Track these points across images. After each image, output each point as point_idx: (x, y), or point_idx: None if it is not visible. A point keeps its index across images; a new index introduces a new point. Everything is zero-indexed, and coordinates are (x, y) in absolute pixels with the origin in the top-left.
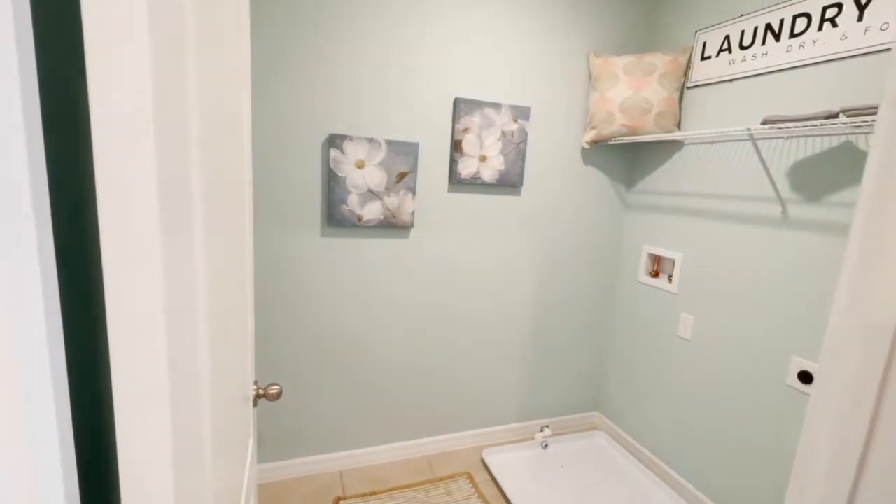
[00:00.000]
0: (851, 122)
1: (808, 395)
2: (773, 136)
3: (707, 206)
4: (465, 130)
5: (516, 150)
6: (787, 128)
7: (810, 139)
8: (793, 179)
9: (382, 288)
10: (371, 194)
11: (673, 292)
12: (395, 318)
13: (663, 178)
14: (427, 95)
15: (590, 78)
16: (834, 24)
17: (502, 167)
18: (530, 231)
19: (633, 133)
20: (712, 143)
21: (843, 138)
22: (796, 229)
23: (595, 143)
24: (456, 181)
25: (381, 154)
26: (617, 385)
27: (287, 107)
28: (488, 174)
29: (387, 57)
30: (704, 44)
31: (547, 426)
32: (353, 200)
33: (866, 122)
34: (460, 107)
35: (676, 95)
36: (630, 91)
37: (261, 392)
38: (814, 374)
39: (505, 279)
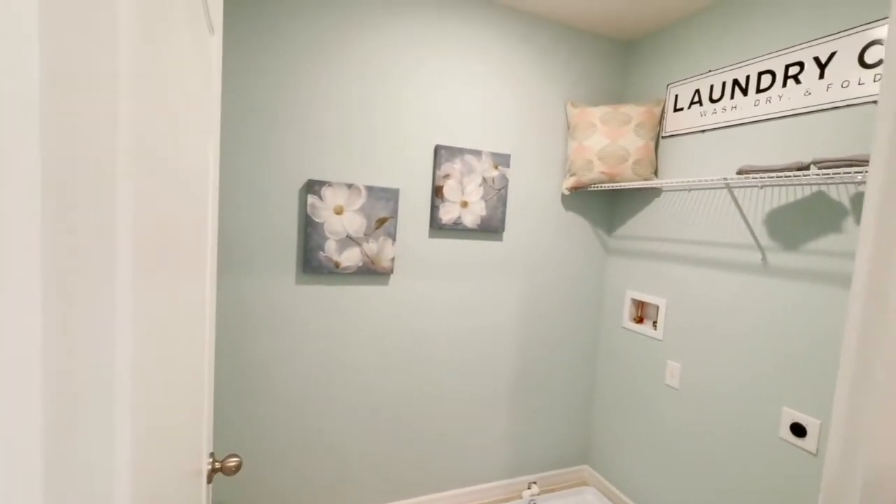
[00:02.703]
0: (823, 174)
1: (801, 448)
2: (749, 185)
3: (688, 251)
4: (447, 177)
5: (497, 195)
6: (762, 178)
7: (784, 189)
8: (770, 227)
9: (360, 337)
10: (350, 240)
11: (658, 339)
12: (374, 371)
13: (643, 224)
14: (408, 142)
15: (568, 126)
16: (797, 81)
17: (484, 213)
18: (513, 277)
19: (612, 180)
20: (689, 190)
21: (815, 188)
22: (777, 277)
23: (575, 189)
24: (437, 227)
25: (361, 200)
26: (605, 436)
27: (263, 153)
28: (470, 220)
29: (367, 104)
30: (676, 96)
31: (534, 483)
32: (330, 247)
33: (838, 174)
34: (441, 153)
35: (652, 144)
36: (607, 140)
37: (217, 465)
38: (806, 427)
39: (488, 327)
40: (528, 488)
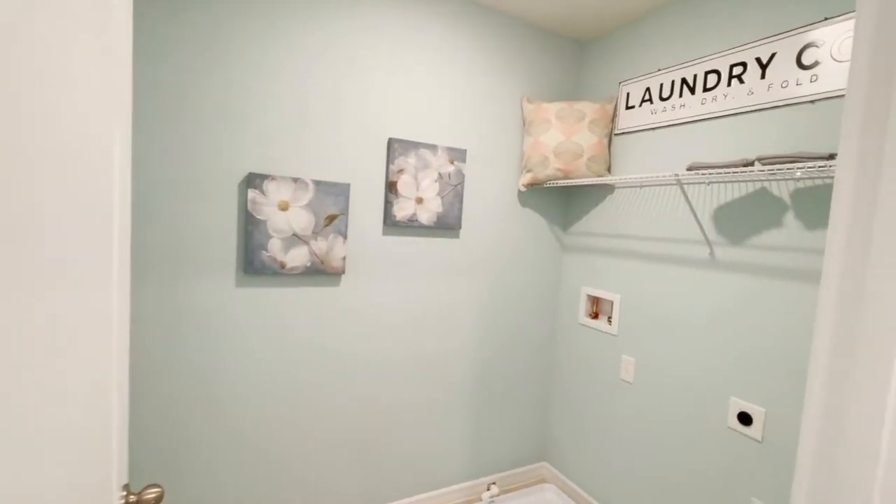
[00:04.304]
0: (767, 170)
1: (747, 436)
2: (697, 181)
3: (640, 247)
4: (401, 171)
5: (454, 192)
6: (709, 174)
7: (731, 185)
8: (717, 223)
9: (309, 342)
10: (296, 239)
11: (613, 334)
12: (324, 378)
13: (598, 220)
14: (359, 134)
15: (524, 123)
16: (741, 81)
17: (440, 209)
18: (469, 274)
19: (567, 176)
20: (641, 186)
21: (759, 185)
22: (723, 271)
23: (531, 185)
24: (391, 224)
25: (309, 195)
26: (563, 433)
27: (198, 144)
28: (425, 216)
29: (315, 93)
30: (628, 94)
31: (494, 483)
32: (274, 246)
33: (781, 170)
34: (395, 147)
35: (606, 141)
36: (562, 136)
37: (132, 499)
38: (752, 416)
39: (445, 327)
40: (488, 489)
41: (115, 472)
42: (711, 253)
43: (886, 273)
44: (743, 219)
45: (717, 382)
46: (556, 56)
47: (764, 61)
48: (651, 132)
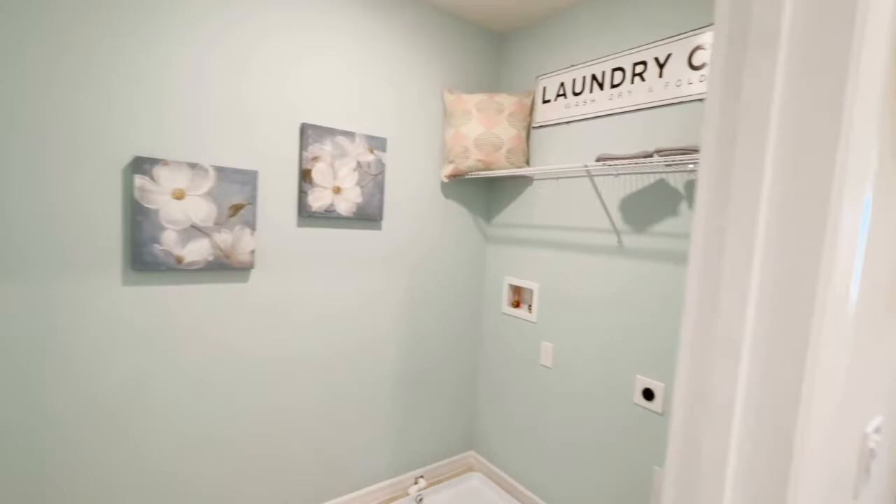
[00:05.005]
0: (664, 161)
1: (651, 410)
2: (605, 172)
3: (557, 237)
4: (316, 159)
5: (374, 181)
6: (616, 165)
7: (635, 177)
8: (624, 212)
9: (214, 343)
10: (196, 231)
11: (533, 321)
12: (233, 380)
13: (518, 211)
14: (269, 119)
15: (445, 114)
16: (643, 79)
17: (360, 199)
18: (392, 266)
19: (488, 168)
20: (557, 178)
21: (658, 176)
22: (630, 257)
23: (454, 177)
24: (307, 214)
25: (209, 183)
26: (489, 421)
27: (74, 124)
28: (344, 207)
29: (216, 71)
30: (545, 88)
31: (421, 477)
32: (169, 239)
33: (675, 161)
34: (308, 133)
35: (524, 133)
36: (483, 128)
37: None
38: (654, 391)
39: (367, 320)
40: (416, 483)
41: None
42: (619, 240)
43: (737, 257)
44: (646, 208)
45: (624, 362)
46: (477, 48)
47: (661, 61)
48: (566, 126)
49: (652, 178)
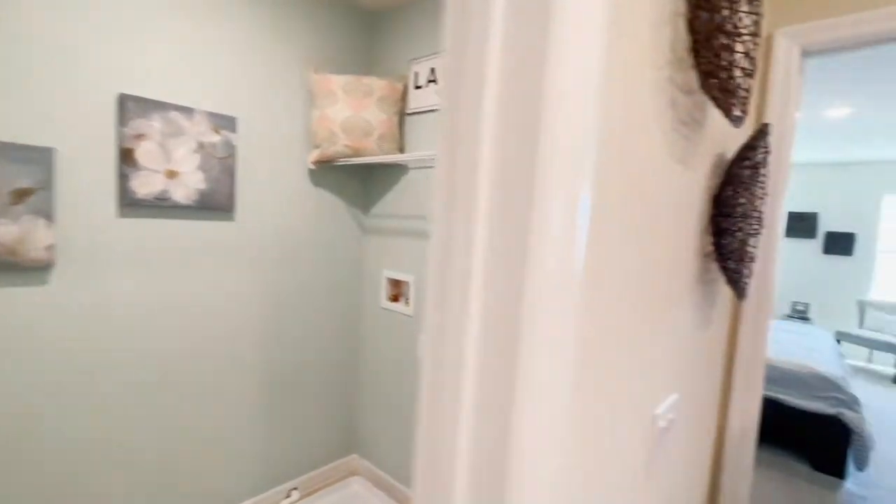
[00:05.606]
0: None
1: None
2: None
3: (428, 227)
4: (140, 137)
5: (221, 165)
6: None
7: None
8: None
9: (8, 356)
10: None
11: (409, 315)
12: (31, 412)
13: (394, 201)
14: (69, 86)
15: (311, 95)
16: None
17: (203, 186)
18: (252, 261)
19: (357, 154)
20: (428, 167)
21: None
22: None
23: (321, 163)
24: (131, 202)
25: None
26: (370, 421)
27: None
28: (182, 193)
29: None
30: (416, 73)
31: (295, 489)
32: None
33: None
34: (129, 106)
35: (396, 119)
36: (350, 111)
37: None
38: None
39: (223, 323)
40: (288, 496)
41: None
42: None
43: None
44: None
45: None
46: (348, 25)
47: None
48: (437, 113)
49: None
